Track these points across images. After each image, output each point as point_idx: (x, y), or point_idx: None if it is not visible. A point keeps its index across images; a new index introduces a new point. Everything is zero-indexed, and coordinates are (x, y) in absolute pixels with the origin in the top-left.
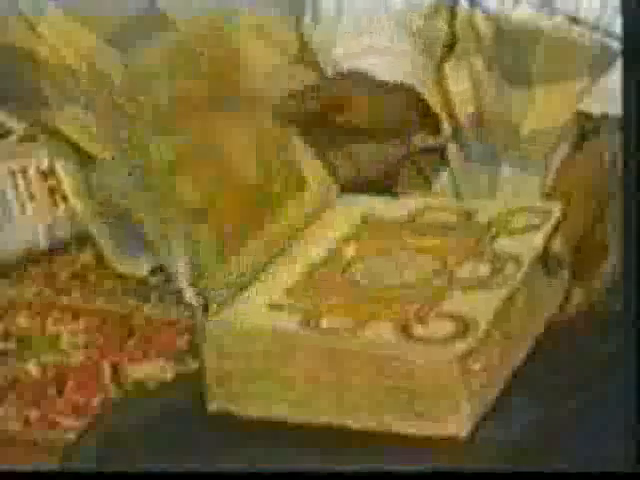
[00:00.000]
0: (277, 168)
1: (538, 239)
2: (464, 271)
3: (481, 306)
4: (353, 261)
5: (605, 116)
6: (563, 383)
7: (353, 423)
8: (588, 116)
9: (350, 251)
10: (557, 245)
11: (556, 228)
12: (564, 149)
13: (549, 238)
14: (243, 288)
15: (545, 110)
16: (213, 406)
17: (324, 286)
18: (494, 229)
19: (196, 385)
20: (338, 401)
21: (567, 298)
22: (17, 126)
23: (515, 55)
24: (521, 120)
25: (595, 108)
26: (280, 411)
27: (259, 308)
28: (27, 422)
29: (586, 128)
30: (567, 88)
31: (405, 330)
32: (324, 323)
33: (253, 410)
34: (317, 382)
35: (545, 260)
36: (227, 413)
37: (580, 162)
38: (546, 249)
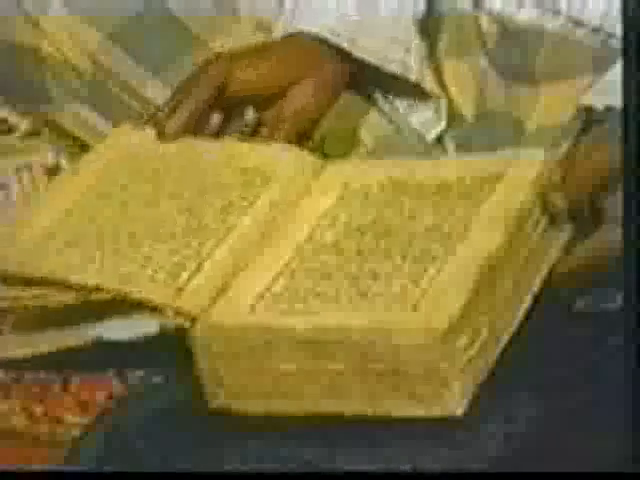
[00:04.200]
0: (216, 186)
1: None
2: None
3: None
4: (329, 245)
5: (608, 109)
6: (562, 383)
7: (348, 410)
8: (588, 110)
9: (328, 236)
10: (556, 196)
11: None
12: (567, 144)
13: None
14: (226, 286)
15: (551, 107)
16: (214, 405)
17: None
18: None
19: (196, 384)
20: (330, 389)
21: (571, 251)
22: (21, 122)
23: (519, 54)
24: (526, 117)
25: (597, 101)
26: (278, 405)
27: (243, 303)
28: (32, 417)
29: (588, 121)
30: (572, 86)
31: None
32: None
33: (252, 406)
34: (307, 373)
35: (545, 209)
36: (228, 412)
37: (585, 147)
38: (546, 200)
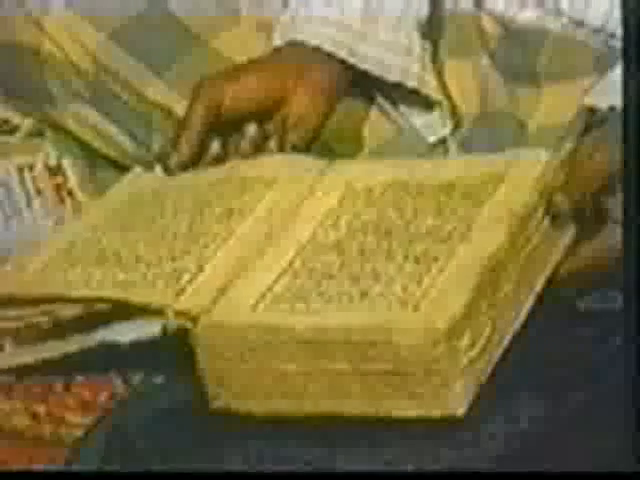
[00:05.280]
0: (217, 197)
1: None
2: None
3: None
4: (331, 245)
5: (611, 109)
6: (563, 383)
7: (348, 410)
8: (591, 110)
9: (330, 236)
10: (558, 196)
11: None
12: (569, 144)
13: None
14: (228, 286)
15: (553, 107)
16: (215, 405)
17: (312, 270)
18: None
19: (197, 384)
20: (330, 389)
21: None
22: (23, 122)
23: (521, 54)
24: (528, 117)
25: (600, 101)
26: (278, 405)
27: (245, 302)
28: (34, 417)
29: (590, 121)
30: (573, 86)
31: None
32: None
33: (254, 406)
34: (308, 373)
35: (548, 209)
36: (230, 411)
37: (588, 147)
38: (549, 200)
